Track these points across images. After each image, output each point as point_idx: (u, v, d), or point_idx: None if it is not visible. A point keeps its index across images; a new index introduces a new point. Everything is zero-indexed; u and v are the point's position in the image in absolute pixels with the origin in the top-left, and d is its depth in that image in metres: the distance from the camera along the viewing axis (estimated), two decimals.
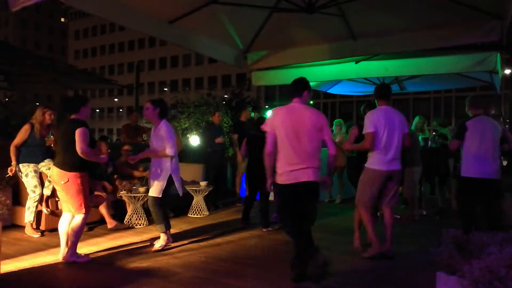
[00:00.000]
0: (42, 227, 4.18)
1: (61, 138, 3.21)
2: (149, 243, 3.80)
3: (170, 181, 3.60)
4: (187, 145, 8.15)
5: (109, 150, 4.95)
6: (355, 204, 3.48)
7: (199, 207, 5.26)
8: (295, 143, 2.59)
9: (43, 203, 4.17)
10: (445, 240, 1.98)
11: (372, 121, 3.24)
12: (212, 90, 14.07)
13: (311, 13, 3.25)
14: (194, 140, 8.06)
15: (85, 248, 3.54)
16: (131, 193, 4.57)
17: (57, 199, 4.20)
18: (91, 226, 4.37)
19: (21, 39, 48.49)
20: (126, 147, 5.30)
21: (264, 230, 4.43)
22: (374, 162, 3.28)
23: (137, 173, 5.25)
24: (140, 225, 4.57)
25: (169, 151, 3.56)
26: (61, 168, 3.15)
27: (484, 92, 10.16)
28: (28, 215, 4.01)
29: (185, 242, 3.85)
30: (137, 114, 7.06)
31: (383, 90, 3.50)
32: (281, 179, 2.64)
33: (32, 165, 4.03)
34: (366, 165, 3.36)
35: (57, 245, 3.36)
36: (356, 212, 3.59)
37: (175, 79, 43.24)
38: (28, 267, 3.07)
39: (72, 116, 3.25)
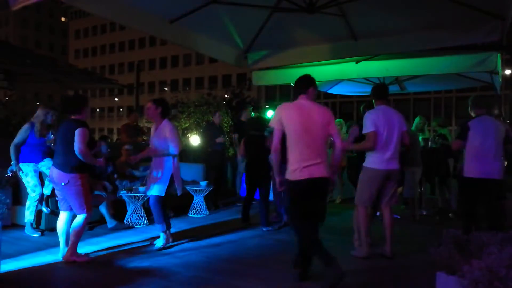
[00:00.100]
0: (42, 226, 4.18)
1: (62, 139, 3.20)
2: (149, 243, 3.80)
3: (171, 180, 3.60)
4: (187, 144, 8.15)
5: (108, 150, 4.95)
6: (355, 203, 3.48)
7: (199, 207, 5.26)
8: (307, 138, 2.58)
9: (43, 203, 4.17)
10: (445, 240, 1.98)
11: (373, 120, 3.25)
12: (213, 90, 14.08)
13: (311, 13, 3.24)
14: (194, 139, 8.06)
15: (85, 247, 3.54)
16: (131, 193, 4.58)
17: (56, 198, 4.20)
18: (91, 225, 4.37)
19: (21, 39, 48.49)
20: (126, 147, 5.30)
21: (264, 229, 4.43)
22: (373, 161, 3.28)
23: (137, 173, 5.26)
24: (140, 224, 4.57)
25: (172, 149, 3.56)
26: (61, 170, 3.14)
27: (484, 92, 10.14)
28: (28, 214, 4.01)
29: (185, 241, 3.85)
30: (136, 113, 7.06)
31: (380, 90, 3.50)
32: (294, 175, 2.60)
33: (31, 164, 4.03)
34: (364, 164, 3.36)
35: (57, 244, 3.36)
36: (355, 212, 3.59)
37: (175, 78, 43.23)
38: (28, 266, 3.08)
39: (73, 116, 3.25)
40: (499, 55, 4.12)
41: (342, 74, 5.04)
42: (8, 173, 3.97)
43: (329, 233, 4.19)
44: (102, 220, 4.46)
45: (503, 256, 1.66)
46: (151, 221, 4.66)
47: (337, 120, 6.52)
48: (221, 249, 3.68)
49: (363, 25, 3.74)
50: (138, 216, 4.61)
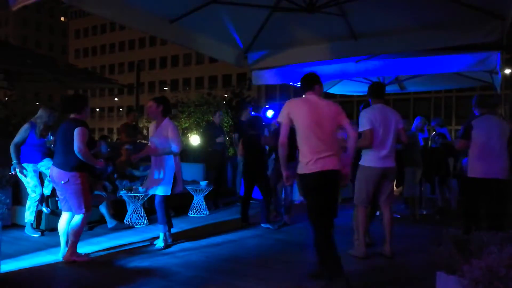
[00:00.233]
0: (42, 226, 4.18)
1: (61, 138, 3.21)
2: (149, 243, 3.80)
3: (174, 179, 3.61)
4: (187, 144, 8.15)
5: (108, 149, 4.95)
6: (354, 203, 3.48)
7: (199, 207, 5.27)
8: (318, 131, 2.58)
9: (43, 203, 4.17)
10: (445, 240, 1.98)
11: (369, 118, 3.25)
12: (213, 90, 14.07)
13: (311, 12, 3.24)
14: (195, 139, 8.06)
15: (85, 247, 3.54)
16: (131, 193, 4.58)
17: (57, 198, 4.21)
18: (91, 225, 4.37)
19: (21, 38, 48.50)
20: (125, 147, 5.31)
21: (263, 226, 4.44)
22: (369, 159, 3.28)
23: (137, 173, 5.26)
24: (140, 224, 4.58)
25: (175, 148, 3.57)
26: (61, 168, 3.14)
27: (484, 92, 10.14)
28: (28, 214, 4.01)
29: (186, 241, 3.85)
30: (135, 113, 7.07)
31: (377, 89, 3.49)
32: (307, 168, 2.58)
33: (31, 165, 4.03)
34: (360, 163, 3.36)
35: (57, 244, 3.36)
36: (355, 212, 3.59)
37: (175, 78, 43.22)
38: (28, 266, 3.08)
39: (72, 116, 3.25)
40: (499, 54, 4.11)
41: (342, 73, 5.03)
42: (11, 171, 3.96)
43: None
44: (102, 220, 4.46)
45: (503, 255, 1.65)
46: (151, 221, 4.67)
47: None
48: (221, 249, 3.68)
49: (363, 24, 3.73)
50: (138, 216, 4.61)
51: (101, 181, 4.68)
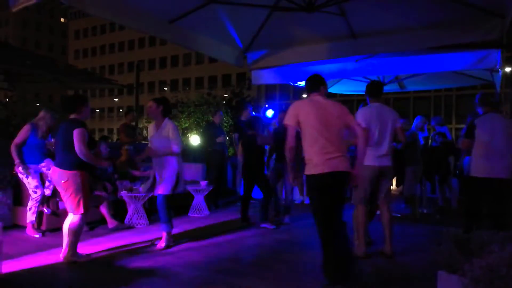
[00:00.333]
0: (43, 227, 4.18)
1: (61, 138, 3.21)
2: (150, 243, 3.80)
3: (178, 179, 3.61)
4: (187, 144, 8.15)
5: (108, 149, 4.96)
6: (352, 203, 3.48)
7: (199, 207, 5.27)
8: (326, 132, 2.57)
9: (44, 204, 4.17)
10: (445, 239, 1.98)
11: (364, 117, 3.25)
12: (212, 90, 14.05)
13: (311, 12, 3.24)
14: (195, 139, 8.06)
15: (86, 247, 3.54)
16: (131, 193, 4.58)
17: (57, 199, 4.21)
18: (92, 226, 4.38)
19: (21, 39, 48.51)
20: (126, 147, 5.31)
21: (261, 226, 4.45)
22: (366, 158, 3.28)
23: (137, 173, 5.26)
24: (141, 224, 4.58)
25: (175, 148, 3.57)
26: (60, 168, 3.15)
27: (485, 90, 10.15)
28: (30, 215, 4.02)
29: (186, 241, 3.85)
30: (133, 113, 7.06)
31: (374, 88, 3.48)
32: (316, 169, 2.55)
33: (32, 166, 4.03)
34: None
35: (58, 245, 3.36)
36: (355, 211, 3.59)
37: (175, 78, 43.20)
38: (29, 267, 3.08)
39: (72, 116, 3.25)
40: (499, 52, 4.10)
41: (342, 72, 5.03)
42: (16, 171, 3.96)
43: None
44: (102, 221, 4.46)
45: (504, 255, 1.65)
46: (151, 221, 4.67)
47: None
48: (222, 248, 3.68)
49: (363, 23, 3.73)
50: (138, 216, 4.61)
51: (102, 182, 4.68)
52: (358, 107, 4.28)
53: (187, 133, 9.29)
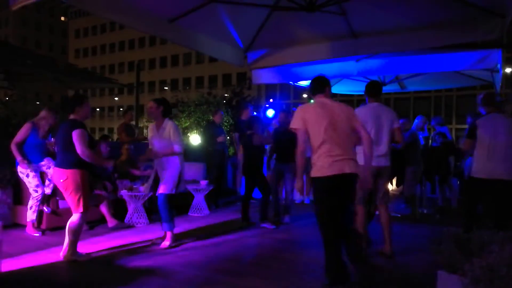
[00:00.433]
0: (43, 226, 4.18)
1: (60, 138, 3.22)
2: (150, 242, 3.80)
3: (179, 179, 3.62)
4: (188, 144, 8.15)
5: (108, 148, 4.96)
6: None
7: (199, 206, 5.27)
8: (334, 134, 2.55)
9: (44, 203, 4.18)
10: (445, 239, 1.98)
11: (359, 117, 3.23)
12: (213, 89, 14.04)
13: (311, 11, 3.24)
14: (195, 139, 8.06)
15: (86, 246, 3.54)
16: (131, 192, 4.58)
17: (58, 198, 4.21)
18: (92, 225, 4.38)
19: (21, 38, 48.49)
20: (126, 146, 5.31)
21: (260, 225, 4.45)
22: (362, 158, 3.27)
23: (137, 172, 5.26)
24: (140, 224, 4.58)
25: (177, 148, 3.58)
26: (60, 167, 3.16)
27: (485, 91, 10.15)
28: (30, 214, 4.02)
29: (186, 241, 3.85)
30: (132, 112, 7.06)
31: (372, 87, 3.46)
32: (322, 172, 2.52)
33: (32, 165, 4.03)
34: None
35: (58, 244, 3.37)
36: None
37: (175, 78, 43.21)
38: (29, 266, 3.08)
39: (71, 116, 3.25)
40: (500, 52, 4.10)
41: (343, 72, 5.03)
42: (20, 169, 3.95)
43: None
44: (102, 220, 4.47)
45: (504, 254, 1.65)
46: (151, 220, 4.67)
47: None
48: (222, 248, 3.68)
49: (363, 23, 3.73)
50: (138, 215, 4.61)
51: (102, 181, 4.69)
52: (358, 107, 4.28)
53: (187, 132, 9.28)
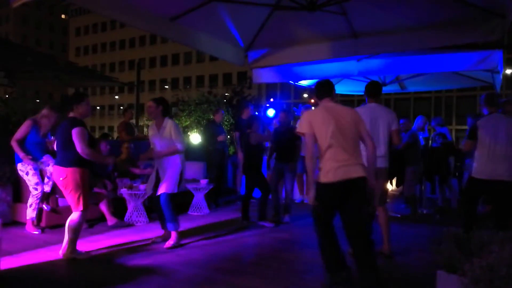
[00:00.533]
0: (43, 224, 4.18)
1: (60, 137, 3.22)
2: (149, 241, 3.80)
3: (181, 177, 3.62)
4: (188, 143, 8.14)
5: (108, 147, 4.96)
6: None
7: (199, 205, 5.27)
8: (341, 139, 2.52)
9: (44, 200, 4.18)
10: (445, 239, 1.98)
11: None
12: (213, 88, 14.03)
13: (312, 11, 3.23)
14: (195, 138, 8.06)
15: (85, 245, 3.54)
16: (131, 191, 4.58)
17: (57, 196, 4.21)
18: (92, 223, 4.38)
19: (22, 36, 48.44)
20: (126, 145, 5.31)
21: (259, 223, 4.45)
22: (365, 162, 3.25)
23: (137, 171, 5.26)
24: (140, 222, 4.58)
25: (179, 146, 3.58)
26: (60, 165, 3.16)
27: (485, 92, 10.15)
28: (30, 212, 4.02)
29: (186, 240, 3.85)
30: (131, 111, 7.06)
31: (371, 88, 3.45)
32: (327, 177, 2.48)
33: (32, 163, 4.03)
34: None
35: (57, 242, 3.37)
36: None
37: (176, 77, 43.19)
38: (29, 263, 3.08)
39: (70, 114, 3.25)
40: (501, 52, 4.09)
41: (343, 72, 5.03)
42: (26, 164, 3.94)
43: None
44: (102, 218, 4.47)
45: (504, 254, 1.65)
46: (151, 219, 4.67)
47: None
48: (222, 247, 3.68)
49: (364, 23, 3.72)
50: (138, 214, 4.61)
51: (101, 179, 4.69)
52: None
53: (187, 131, 9.27)
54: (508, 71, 15.23)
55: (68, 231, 3.17)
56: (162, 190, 3.59)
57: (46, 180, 4.13)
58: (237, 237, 4.09)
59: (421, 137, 5.49)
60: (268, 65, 4.65)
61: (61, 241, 3.27)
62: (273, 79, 5.44)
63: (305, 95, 30.71)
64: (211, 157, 5.88)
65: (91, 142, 3.27)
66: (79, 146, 3.07)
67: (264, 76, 5.20)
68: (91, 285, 2.72)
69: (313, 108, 6.66)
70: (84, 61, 43.86)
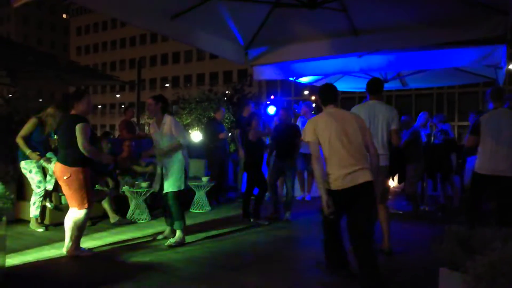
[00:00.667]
0: (46, 221, 4.21)
1: (63, 134, 3.23)
2: (151, 238, 3.82)
3: (186, 174, 3.63)
4: (189, 140, 8.15)
5: (109, 145, 4.97)
6: None
7: (201, 202, 5.28)
8: (347, 145, 2.51)
9: (47, 198, 4.20)
10: (447, 236, 1.97)
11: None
12: (214, 86, 14.02)
13: (312, 8, 3.22)
14: (196, 136, 8.06)
15: (88, 242, 3.57)
16: (133, 188, 4.59)
17: (60, 193, 4.23)
18: (94, 221, 4.40)
19: (23, 36, 48.48)
20: (128, 143, 5.32)
21: (257, 221, 4.46)
22: None
23: (139, 168, 5.27)
24: (142, 220, 4.60)
25: (183, 140, 3.59)
26: (63, 164, 3.16)
27: (488, 88, 10.09)
28: (33, 210, 4.04)
29: (187, 237, 3.86)
30: (132, 109, 7.06)
31: (372, 85, 3.42)
32: (335, 185, 2.49)
33: (34, 160, 4.04)
34: None
35: (61, 239, 3.39)
36: None
37: (176, 75, 43.18)
38: (33, 261, 3.10)
39: (72, 112, 3.25)
40: (505, 47, 4.06)
41: (344, 68, 5.01)
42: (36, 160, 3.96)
43: None
44: (104, 216, 4.49)
45: (507, 251, 1.65)
46: (153, 216, 4.69)
47: None
48: (223, 244, 3.69)
49: (365, 20, 3.70)
50: (140, 211, 4.63)
51: (103, 177, 4.70)
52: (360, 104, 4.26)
53: (188, 129, 9.27)
54: (511, 67, 15.11)
55: (73, 228, 3.19)
56: (169, 188, 3.60)
57: (48, 177, 4.15)
58: (238, 234, 4.09)
59: (423, 133, 5.47)
60: (269, 62, 4.64)
61: (64, 239, 3.29)
62: (273, 76, 5.43)
63: (306, 92, 30.62)
64: (212, 154, 5.89)
65: (93, 139, 3.28)
66: (80, 142, 3.07)
67: (264, 73, 5.19)
68: (93, 282, 2.74)
69: (314, 105, 6.66)
70: (85, 60, 43.88)
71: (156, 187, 3.80)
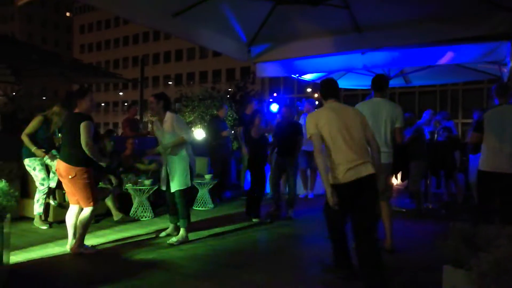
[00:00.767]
0: (50, 218, 4.24)
1: (67, 132, 3.24)
2: (154, 235, 3.83)
3: (191, 171, 3.64)
4: (192, 138, 8.17)
5: (112, 143, 4.99)
6: None
7: (204, 200, 5.29)
8: (349, 139, 2.50)
9: (50, 195, 4.22)
10: (452, 234, 1.96)
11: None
12: (217, 84, 14.03)
13: (315, 5, 3.19)
14: (199, 133, 8.08)
15: (91, 240, 3.59)
16: (136, 186, 4.61)
17: (63, 191, 4.25)
18: (98, 218, 4.42)
19: (27, 34, 48.71)
20: (131, 141, 5.33)
21: (254, 220, 4.46)
22: None
23: (142, 166, 5.29)
24: (145, 217, 4.62)
25: (186, 136, 3.59)
26: (67, 163, 3.17)
27: (492, 85, 9.99)
28: (37, 207, 4.08)
29: (190, 234, 3.87)
30: (136, 107, 7.08)
31: (376, 81, 3.39)
32: (338, 179, 2.47)
33: (38, 158, 4.07)
34: None
35: (65, 236, 3.41)
36: None
37: (179, 73, 43.21)
38: (37, 258, 3.13)
39: (76, 110, 3.27)
40: (509, 44, 4.01)
41: (348, 65, 4.98)
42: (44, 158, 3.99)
43: None
44: (108, 213, 4.51)
45: (511, 249, 1.64)
46: (156, 214, 4.71)
47: None
48: (226, 242, 3.70)
49: (368, 17, 3.67)
50: (143, 209, 4.65)
51: (107, 175, 4.72)
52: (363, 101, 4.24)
53: (191, 127, 9.29)
54: None
55: (78, 226, 3.22)
56: (175, 186, 3.61)
57: (51, 175, 4.18)
58: (241, 231, 4.10)
59: (426, 131, 5.44)
60: (271, 59, 4.62)
61: (68, 236, 3.31)
62: (276, 73, 5.42)
63: (309, 90, 30.54)
64: (215, 152, 5.90)
65: (96, 138, 3.29)
66: (83, 139, 3.09)
67: (267, 70, 5.17)
68: (97, 279, 2.75)
69: (316, 102, 6.64)
70: (88, 58, 44.02)
71: (163, 187, 3.81)
